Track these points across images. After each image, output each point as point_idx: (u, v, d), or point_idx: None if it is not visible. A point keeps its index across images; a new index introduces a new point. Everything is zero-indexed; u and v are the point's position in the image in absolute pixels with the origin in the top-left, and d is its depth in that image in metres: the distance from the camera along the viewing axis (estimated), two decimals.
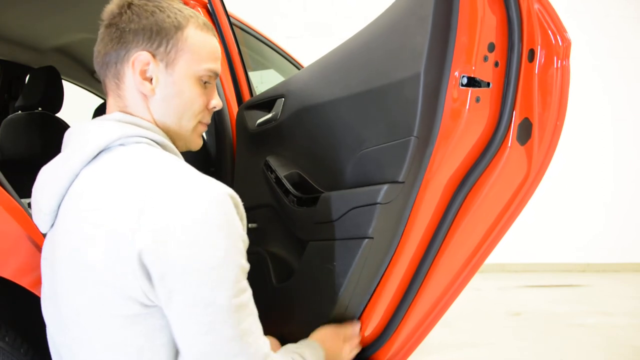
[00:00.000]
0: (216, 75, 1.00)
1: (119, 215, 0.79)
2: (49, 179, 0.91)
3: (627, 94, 5.19)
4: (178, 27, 0.94)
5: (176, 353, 0.84)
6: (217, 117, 1.74)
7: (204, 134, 2.04)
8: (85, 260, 0.82)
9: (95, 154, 0.88)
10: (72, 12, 2.13)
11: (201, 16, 0.99)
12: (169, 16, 0.93)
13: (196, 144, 1.02)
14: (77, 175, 0.88)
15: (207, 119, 1.03)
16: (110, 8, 0.94)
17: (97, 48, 0.96)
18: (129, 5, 0.93)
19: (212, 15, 1.84)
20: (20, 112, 2.13)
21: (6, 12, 2.05)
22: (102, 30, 0.95)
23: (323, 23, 4.89)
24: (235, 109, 1.75)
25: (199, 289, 0.77)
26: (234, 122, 1.71)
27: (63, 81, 2.22)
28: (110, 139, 0.88)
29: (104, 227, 0.81)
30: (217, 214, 0.79)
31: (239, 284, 0.80)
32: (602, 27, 5.06)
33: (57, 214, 0.90)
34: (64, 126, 2.13)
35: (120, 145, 0.88)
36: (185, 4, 1.81)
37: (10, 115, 2.14)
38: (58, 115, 2.19)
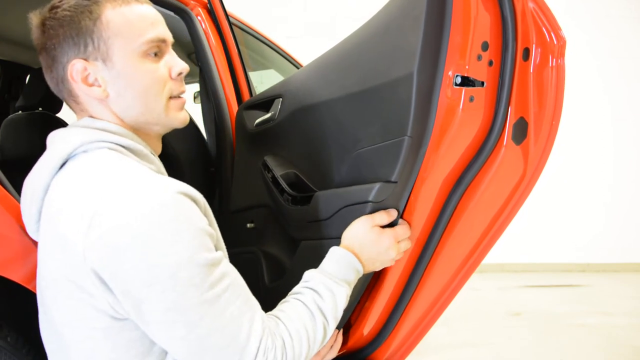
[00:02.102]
0: (162, 40, 0.91)
1: (70, 226, 0.78)
2: (29, 189, 0.91)
3: (627, 94, 5.18)
4: (94, 18, 0.86)
5: (163, 355, 0.83)
6: (217, 117, 1.75)
7: (205, 134, 2.05)
8: (51, 273, 0.82)
9: (60, 164, 0.86)
10: None
11: None
12: (81, 12, 0.86)
13: (179, 120, 0.95)
14: (48, 186, 0.87)
15: (179, 89, 0.95)
16: (32, 33, 0.90)
17: (45, 77, 0.92)
18: (43, 23, 0.88)
19: (211, 15, 1.84)
20: (20, 112, 2.13)
21: (7, 12, 2.05)
22: (39, 59, 0.91)
23: (323, 23, 4.89)
24: (235, 108, 1.75)
25: (166, 295, 0.75)
26: (234, 122, 1.71)
27: None
28: (72, 147, 0.86)
29: (59, 237, 0.80)
30: (166, 217, 0.76)
31: (209, 278, 0.78)
32: (602, 27, 5.05)
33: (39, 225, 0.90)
34: (64, 126, 2.13)
35: (83, 152, 0.86)
36: (185, 4, 1.83)
37: (11, 116, 2.14)
38: (58, 115, 2.19)
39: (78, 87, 0.89)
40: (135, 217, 0.75)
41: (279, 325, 0.88)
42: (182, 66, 0.93)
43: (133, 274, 0.75)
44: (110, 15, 0.87)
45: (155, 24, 0.91)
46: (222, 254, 0.84)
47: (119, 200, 0.76)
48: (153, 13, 0.92)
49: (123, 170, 0.82)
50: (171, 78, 0.93)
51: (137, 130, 0.94)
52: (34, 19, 0.89)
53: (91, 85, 0.89)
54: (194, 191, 0.83)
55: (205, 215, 0.84)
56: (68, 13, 0.86)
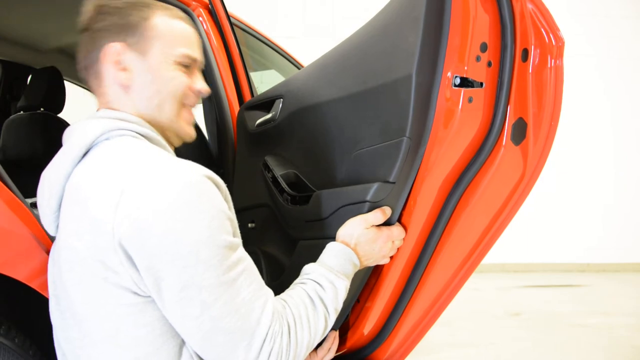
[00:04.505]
0: (194, 61, 1.00)
1: (99, 207, 0.82)
2: (47, 181, 0.93)
3: (627, 94, 5.18)
4: (144, 18, 0.95)
5: (179, 342, 0.85)
6: (219, 117, 1.76)
7: (206, 134, 2.06)
8: (77, 254, 0.84)
9: (83, 152, 0.90)
10: (74, 13, 2.14)
11: (171, 7, 1.01)
12: (134, 9, 0.96)
13: (187, 133, 1.02)
14: (69, 175, 0.90)
15: (192, 102, 1.02)
16: (83, 14, 0.97)
17: (78, 56, 0.98)
18: (98, 7, 0.96)
19: (212, 15, 1.85)
20: (22, 112, 2.14)
21: (8, 13, 2.06)
22: (80, 37, 0.98)
23: (323, 23, 4.90)
24: (236, 109, 1.76)
25: (185, 273, 0.78)
26: (235, 122, 1.72)
27: (65, 81, 2.23)
28: (94, 136, 0.90)
29: (88, 218, 0.83)
30: (190, 196, 0.80)
31: (226, 261, 0.81)
32: (602, 27, 5.05)
33: (59, 215, 0.92)
34: (65, 127, 2.13)
35: (106, 140, 0.91)
36: (187, 5, 1.84)
37: (13, 116, 2.15)
38: (60, 115, 2.20)
39: (107, 68, 0.95)
40: (161, 195, 0.79)
41: (286, 308, 0.90)
42: (205, 86, 1.02)
43: (157, 250, 0.78)
44: (159, 21, 0.96)
45: (194, 44, 1.01)
46: (239, 240, 0.88)
47: (146, 178, 0.81)
48: (196, 36, 1.02)
49: (149, 153, 0.87)
50: (191, 91, 1.00)
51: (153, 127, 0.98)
52: (88, 3, 0.97)
53: (120, 69, 0.94)
54: (217, 176, 0.87)
55: (226, 200, 0.88)
56: (122, 6, 0.95)
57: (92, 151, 0.90)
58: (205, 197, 0.82)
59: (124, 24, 0.94)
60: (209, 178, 0.85)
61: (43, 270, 0.99)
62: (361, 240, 1.05)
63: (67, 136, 0.96)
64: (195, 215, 0.80)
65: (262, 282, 0.89)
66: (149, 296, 0.83)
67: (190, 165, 0.84)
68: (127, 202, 0.79)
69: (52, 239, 0.99)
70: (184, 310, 0.80)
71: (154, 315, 0.84)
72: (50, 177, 0.93)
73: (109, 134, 0.90)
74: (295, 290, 0.96)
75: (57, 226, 0.93)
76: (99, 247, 0.81)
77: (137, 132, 0.92)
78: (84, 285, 0.85)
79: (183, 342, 0.86)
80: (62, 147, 0.95)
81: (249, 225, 1.52)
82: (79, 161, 0.90)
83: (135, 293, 0.82)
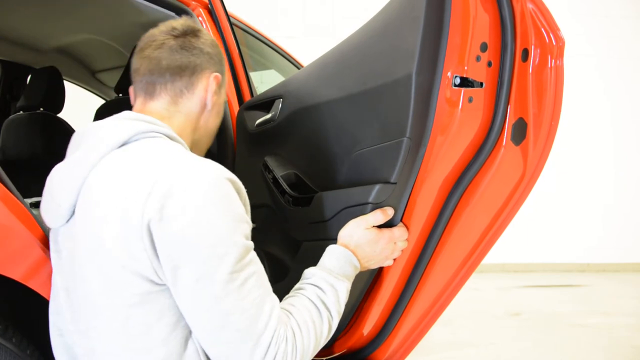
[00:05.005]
0: None
1: (131, 197, 0.85)
2: (67, 174, 0.95)
3: (627, 94, 5.19)
4: (224, 60, 1.11)
5: (187, 332, 0.87)
6: None
7: None
8: (101, 243, 0.87)
9: (112, 149, 0.92)
10: (73, 13, 2.14)
11: None
12: (220, 50, 1.10)
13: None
14: (92, 168, 0.92)
15: None
16: (183, 25, 1.05)
17: (161, 54, 1.01)
18: (199, 31, 1.06)
19: (212, 15, 1.85)
20: (21, 112, 2.14)
21: (8, 13, 2.06)
22: (169, 40, 1.02)
23: (323, 23, 4.90)
24: (236, 109, 1.75)
25: (202, 264, 0.82)
26: (235, 122, 1.72)
27: (65, 82, 2.23)
28: (128, 135, 0.93)
29: (117, 208, 0.86)
30: (216, 195, 0.85)
31: (241, 261, 0.84)
32: (602, 27, 5.05)
33: (74, 208, 0.93)
34: (65, 127, 2.14)
35: (135, 140, 0.94)
36: (187, 5, 1.83)
37: (12, 116, 2.15)
38: (59, 115, 2.20)
39: (206, 88, 1.05)
40: (191, 190, 0.84)
41: (290, 317, 0.91)
42: None
43: (180, 239, 0.82)
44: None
45: None
46: (252, 244, 0.90)
47: (179, 173, 0.85)
48: None
49: (180, 152, 0.92)
50: None
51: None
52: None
53: (214, 94, 1.06)
54: (238, 180, 0.92)
55: (244, 204, 0.92)
56: (216, 44, 1.10)
57: (119, 149, 0.93)
58: (229, 198, 0.87)
59: (219, 60, 1.09)
60: (232, 181, 0.89)
61: (41, 269, 0.99)
62: (361, 241, 1.05)
63: (90, 132, 0.98)
64: (218, 213, 0.84)
65: (270, 288, 0.91)
66: (164, 284, 0.85)
67: (217, 166, 0.89)
68: (158, 192, 0.83)
69: (45, 233, 1.00)
70: (196, 302, 0.83)
71: (166, 304, 0.86)
72: (71, 170, 0.94)
73: (140, 135, 0.94)
74: (296, 297, 0.97)
75: (70, 219, 0.94)
76: (125, 235, 0.84)
77: (164, 134, 0.97)
78: (104, 273, 0.87)
79: (190, 334, 0.88)
80: (82, 143, 0.96)
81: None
82: (103, 156, 0.93)
83: (152, 281, 0.85)
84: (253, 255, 0.88)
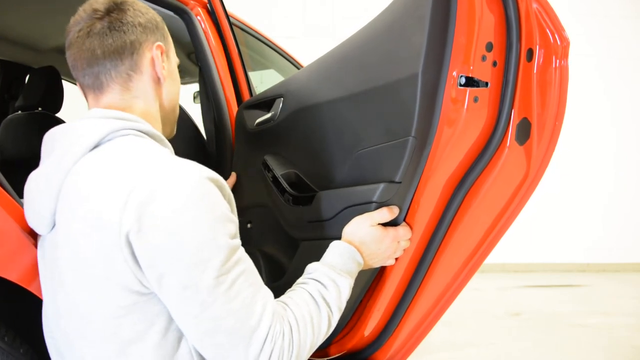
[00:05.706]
0: None
1: (107, 206, 0.81)
2: (43, 182, 0.91)
3: (627, 94, 5.19)
4: (163, 22, 1.03)
5: (179, 333, 0.86)
6: (217, 117, 1.75)
7: (204, 134, 2.05)
8: (83, 255, 0.84)
9: (85, 152, 0.89)
10: (72, 13, 2.13)
11: None
12: (155, 13, 1.02)
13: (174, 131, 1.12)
14: (67, 174, 0.89)
15: None
16: (105, 2, 0.95)
17: (92, 43, 0.93)
18: (123, 3, 0.97)
19: (212, 15, 1.84)
20: (20, 112, 2.13)
21: (7, 12, 2.05)
22: (95, 24, 0.94)
23: (323, 23, 4.90)
24: (235, 109, 1.75)
25: (186, 272, 0.79)
26: (233, 121, 1.71)
27: (63, 81, 2.23)
28: (99, 136, 0.89)
29: (94, 218, 0.82)
30: (196, 197, 0.81)
31: (227, 263, 0.82)
32: (602, 27, 5.06)
33: (55, 215, 0.90)
34: None
35: (108, 141, 0.90)
36: (185, 4, 1.83)
37: (10, 115, 2.14)
38: (58, 115, 2.19)
39: (152, 64, 0.99)
40: (168, 197, 0.80)
41: (287, 310, 0.90)
42: None
43: (161, 248, 0.79)
44: (166, 28, 1.05)
45: None
46: (239, 241, 0.88)
47: (154, 179, 0.81)
48: None
49: (155, 153, 0.88)
50: None
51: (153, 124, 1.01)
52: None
53: (162, 67, 1.00)
54: (220, 178, 0.88)
55: (229, 203, 0.89)
56: (147, 9, 1.01)
57: (94, 150, 0.89)
58: (211, 199, 0.83)
59: (155, 25, 1.00)
60: (213, 180, 0.85)
61: (36, 271, 0.98)
62: (366, 239, 1.04)
63: (60, 136, 0.94)
64: (199, 217, 0.81)
65: (262, 283, 0.89)
66: (151, 292, 0.83)
67: (195, 167, 0.85)
68: (135, 201, 0.80)
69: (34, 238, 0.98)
70: (184, 309, 0.81)
71: (155, 311, 0.84)
72: (46, 178, 0.91)
73: (114, 134, 0.90)
74: (296, 291, 0.96)
75: (54, 227, 0.91)
76: (104, 245, 0.81)
77: (140, 131, 0.93)
78: (87, 285, 0.85)
79: (182, 335, 0.86)
80: (55, 147, 0.93)
81: (247, 225, 1.51)
82: (77, 161, 0.89)
83: (137, 292, 0.82)
84: (240, 253, 0.86)
